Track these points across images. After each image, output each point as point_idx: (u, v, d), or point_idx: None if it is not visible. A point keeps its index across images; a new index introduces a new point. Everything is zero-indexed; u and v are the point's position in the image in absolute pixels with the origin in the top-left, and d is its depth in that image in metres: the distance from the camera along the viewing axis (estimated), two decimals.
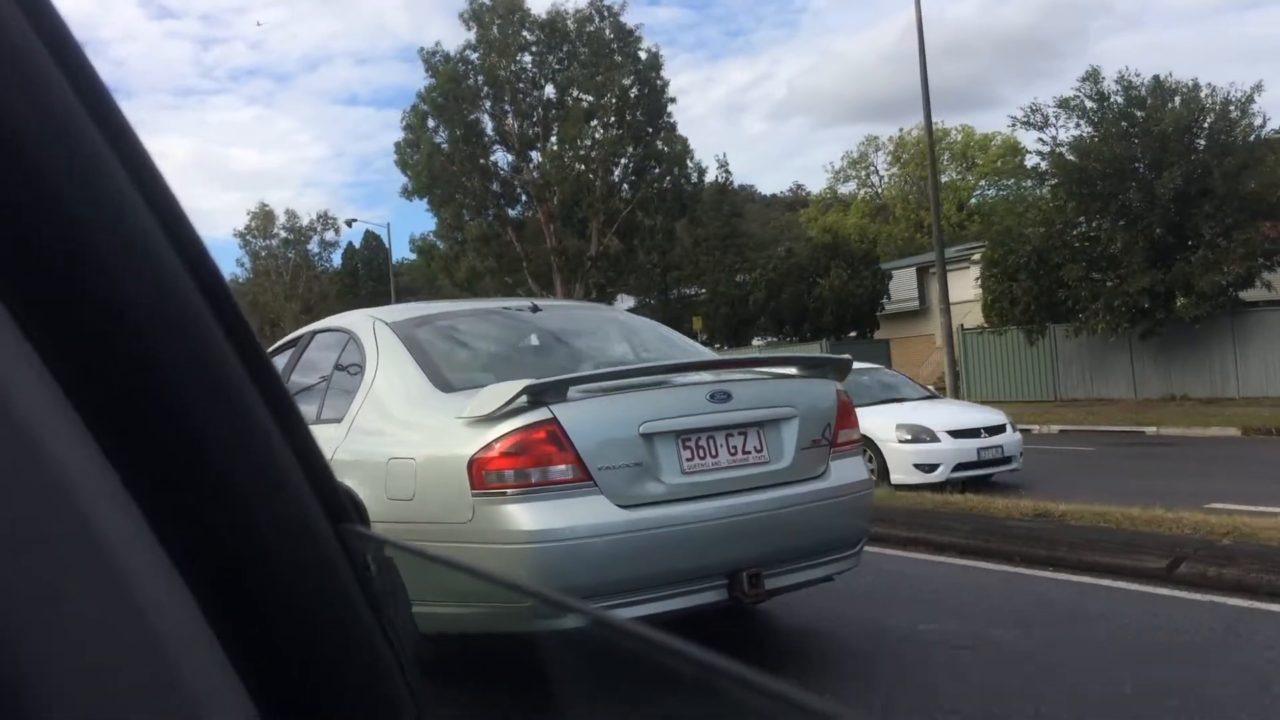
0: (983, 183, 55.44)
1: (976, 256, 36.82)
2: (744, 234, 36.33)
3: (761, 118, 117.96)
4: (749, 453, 3.63)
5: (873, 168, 61.15)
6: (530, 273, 35.54)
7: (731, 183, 36.25)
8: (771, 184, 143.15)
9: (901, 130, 58.80)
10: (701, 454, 3.52)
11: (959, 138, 58.07)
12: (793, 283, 31.85)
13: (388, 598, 0.65)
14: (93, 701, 0.42)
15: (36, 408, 0.46)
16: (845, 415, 4.04)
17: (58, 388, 0.48)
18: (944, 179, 55.53)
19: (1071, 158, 21.31)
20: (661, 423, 3.46)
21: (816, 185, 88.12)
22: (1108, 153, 20.28)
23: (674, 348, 4.54)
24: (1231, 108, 19.92)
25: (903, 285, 36.84)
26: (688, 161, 34.41)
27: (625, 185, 35.05)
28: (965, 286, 36.71)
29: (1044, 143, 22.51)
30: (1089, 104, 21.51)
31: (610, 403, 3.48)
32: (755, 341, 34.85)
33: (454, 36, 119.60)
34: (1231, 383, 20.48)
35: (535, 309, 4.40)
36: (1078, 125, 21.91)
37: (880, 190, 60.08)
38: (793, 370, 4.16)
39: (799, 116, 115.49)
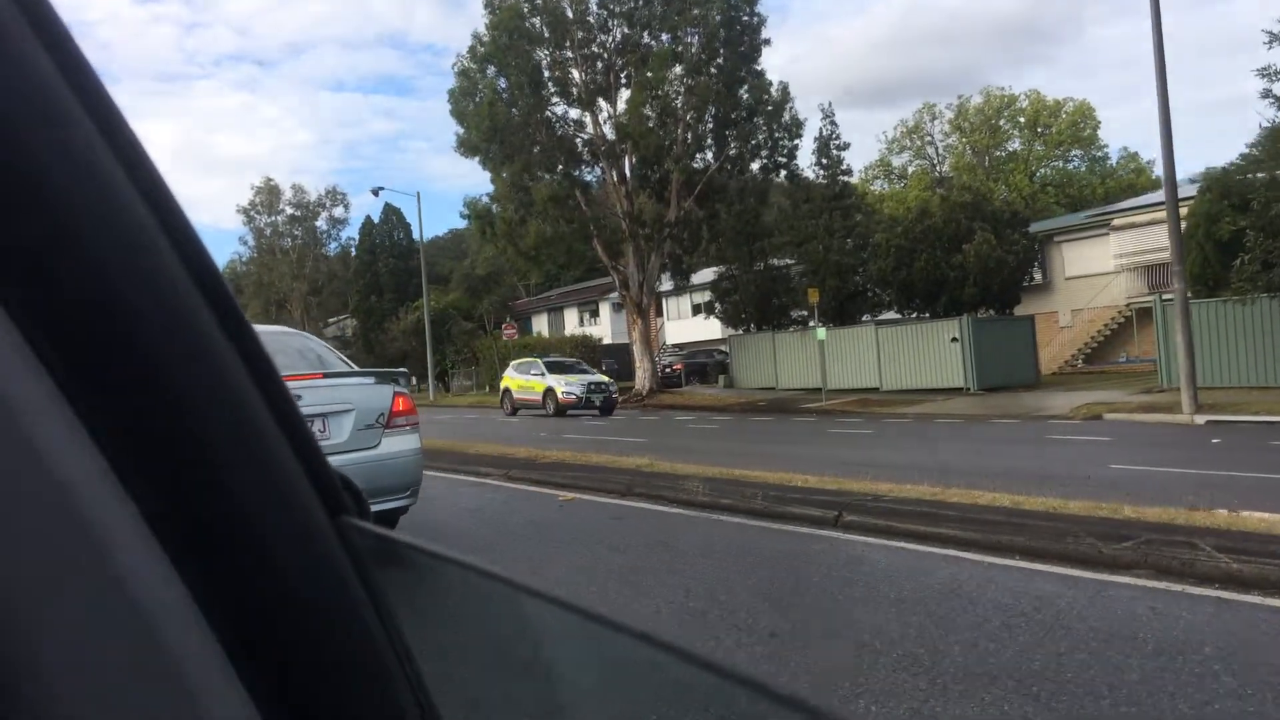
0: (1057, 151, 56.99)
1: (1117, 222, 36.77)
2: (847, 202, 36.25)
3: None
4: (314, 433, 6.39)
5: (929, 138, 62.31)
6: (601, 242, 36.60)
7: (837, 135, 36.52)
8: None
9: (961, 97, 60.85)
10: None
11: (1027, 105, 58.77)
12: (927, 249, 31.89)
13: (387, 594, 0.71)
14: (91, 699, 0.48)
15: (32, 405, 0.52)
16: (399, 407, 7.60)
17: (53, 384, 0.54)
18: (1013, 147, 56.91)
19: None
20: None
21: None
22: None
23: (305, 363, 7.41)
24: None
25: None
26: (785, 112, 34.82)
27: (710, 139, 35.72)
28: (1102, 257, 36.61)
29: None
30: None
31: None
32: (865, 318, 35.32)
33: (440, 23, 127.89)
34: None
35: None
36: None
37: (936, 162, 61.51)
38: (369, 380, 7.57)
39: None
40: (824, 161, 36.20)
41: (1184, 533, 6.11)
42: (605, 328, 56.50)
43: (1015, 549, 6.50)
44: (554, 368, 32.01)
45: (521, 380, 32.35)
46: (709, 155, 35.92)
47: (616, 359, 45.77)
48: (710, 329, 47.46)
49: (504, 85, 35.61)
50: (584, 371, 32.54)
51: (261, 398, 0.66)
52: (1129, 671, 4.29)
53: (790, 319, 37.24)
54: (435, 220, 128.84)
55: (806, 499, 8.41)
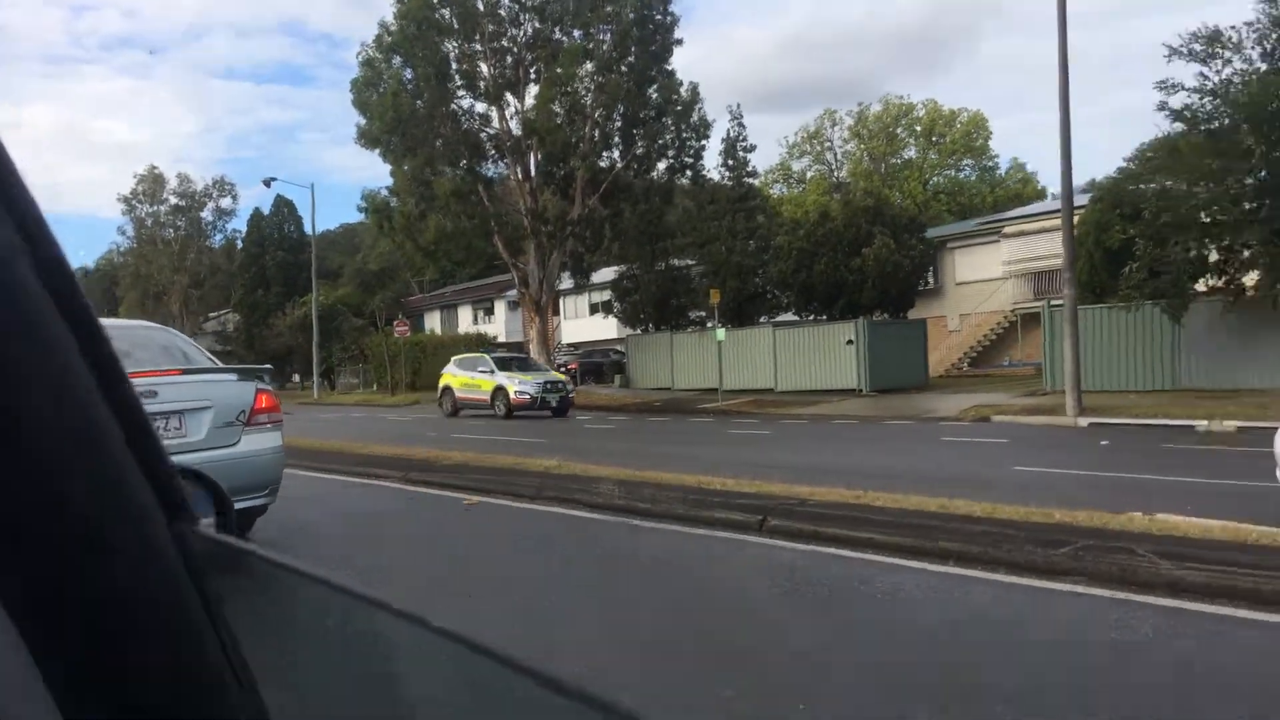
0: (950, 160, 59.05)
1: (1008, 230, 37.78)
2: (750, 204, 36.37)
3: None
4: (170, 430, 6.82)
5: (829, 144, 63.95)
6: (503, 238, 35.97)
7: (744, 137, 36.59)
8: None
9: (861, 104, 62.70)
10: None
11: (924, 114, 60.71)
12: (828, 251, 32.02)
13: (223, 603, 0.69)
14: None
15: None
16: (261, 404, 7.47)
17: None
18: (909, 155, 59.00)
19: (1244, 99, 20.37)
20: None
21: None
22: None
23: (168, 358, 7.31)
24: None
25: None
26: (694, 112, 34.73)
27: (618, 138, 35.47)
28: (991, 263, 37.59)
29: (1205, 79, 21.40)
30: (1271, 30, 20.69)
31: None
32: (763, 320, 35.38)
33: (341, 11, 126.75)
34: None
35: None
36: (1265, 55, 21.01)
37: (835, 168, 63.19)
38: (231, 376, 7.58)
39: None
40: (730, 163, 36.25)
41: (1121, 538, 6.00)
42: (500, 326, 55.70)
43: (951, 555, 6.30)
44: (504, 364, 29.49)
45: (465, 378, 29.68)
46: (616, 154, 35.67)
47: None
48: (607, 328, 47.16)
49: (410, 76, 34.76)
50: (537, 369, 30.35)
51: (100, 393, 0.61)
52: (1118, 692, 4.08)
53: (689, 319, 37.17)
54: (328, 214, 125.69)
55: (728, 503, 8.12)
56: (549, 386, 27.98)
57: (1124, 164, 25.32)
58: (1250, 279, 21.84)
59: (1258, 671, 4.24)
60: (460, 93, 35.62)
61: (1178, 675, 4.20)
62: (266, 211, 65.64)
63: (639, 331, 38.64)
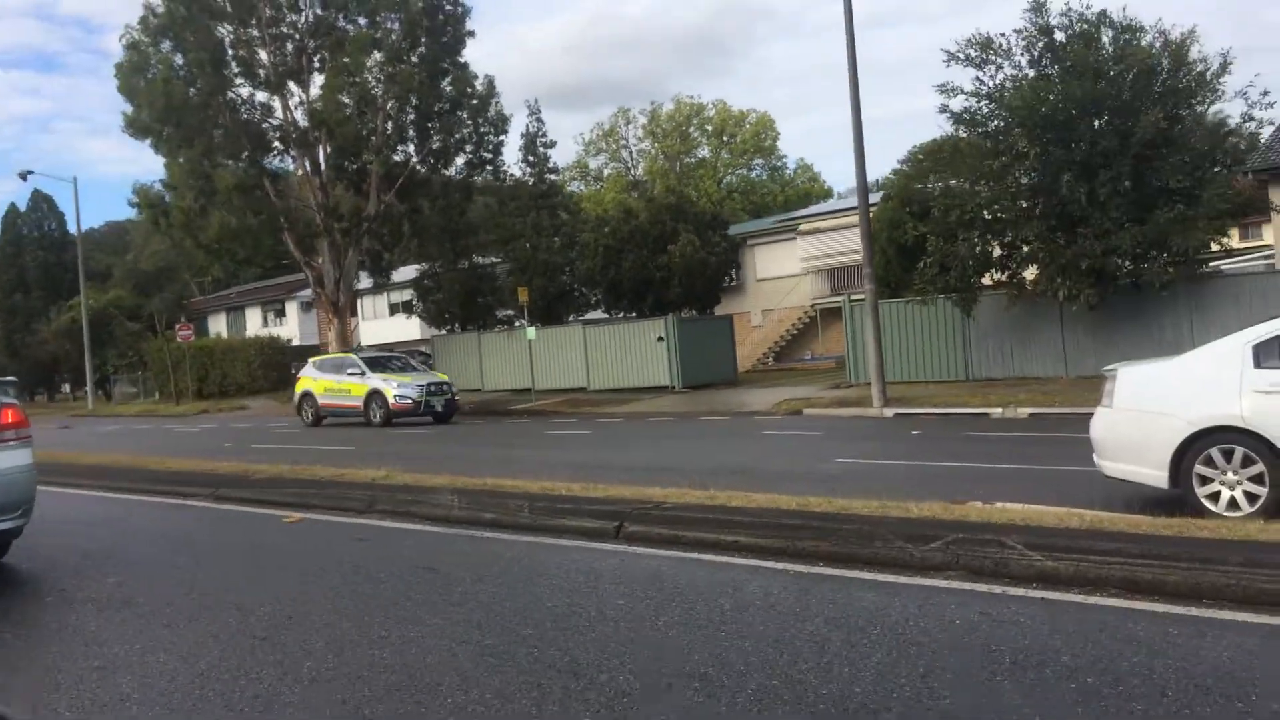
0: (741, 159, 61.41)
1: (804, 227, 39.11)
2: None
3: None
4: None
5: (624, 142, 65.04)
6: (293, 236, 34.20)
7: (544, 132, 36.16)
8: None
9: (653, 104, 64.11)
10: None
11: (714, 114, 62.78)
12: (634, 249, 32.00)
13: None
14: None
15: None
16: (7, 419, 7.16)
17: None
18: (703, 154, 60.98)
19: (1017, 102, 21.42)
20: None
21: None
22: (1076, 91, 20.70)
23: None
24: (1171, 49, 21.01)
25: None
26: (491, 106, 34.03)
27: (413, 131, 34.35)
28: (789, 260, 38.81)
29: (981, 83, 22.52)
30: (1038, 39, 21.89)
31: None
32: (572, 318, 35.10)
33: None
34: None
35: None
36: (1032, 61, 22.19)
37: (631, 166, 64.52)
38: None
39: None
40: (531, 159, 35.73)
41: (987, 530, 6.00)
42: (294, 328, 53.18)
43: (820, 555, 6.15)
44: (376, 365, 26.61)
45: (330, 381, 26.64)
46: (411, 148, 34.53)
47: (307, 361, 43.01)
48: (410, 329, 45.82)
49: (181, 62, 32.45)
50: (414, 369, 27.57)
51: None
52: (1008, 694, 3.95)
53: (496, 318, 36.52)
54: (93, 210, 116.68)
55: (579, 509, 7.74)
56: (433, 389, 25.54)
57: (898, 165, 26.62)
58: (1030, 273, 23.21)
59: (1166, 666, 4.23)
60: (238, 80, 33.64)
61: (1092, 677, 4.14)
62: (22, 208, 60.25)
63: (445, 332, 37.66)
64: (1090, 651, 4.34)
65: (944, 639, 4.63)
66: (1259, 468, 7.76)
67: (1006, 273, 23.53)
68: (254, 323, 55.74)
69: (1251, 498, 7.79)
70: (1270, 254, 29.73)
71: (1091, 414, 18.33)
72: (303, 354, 44.62)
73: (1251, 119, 21.18)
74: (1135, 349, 22.33)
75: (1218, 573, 4.96)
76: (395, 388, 25.10)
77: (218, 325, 57.58)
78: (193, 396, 41.07)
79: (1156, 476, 8.28)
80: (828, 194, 62.25)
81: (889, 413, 20.98)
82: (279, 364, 43.01)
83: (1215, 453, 7.97)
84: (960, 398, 21.49)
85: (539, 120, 36.18)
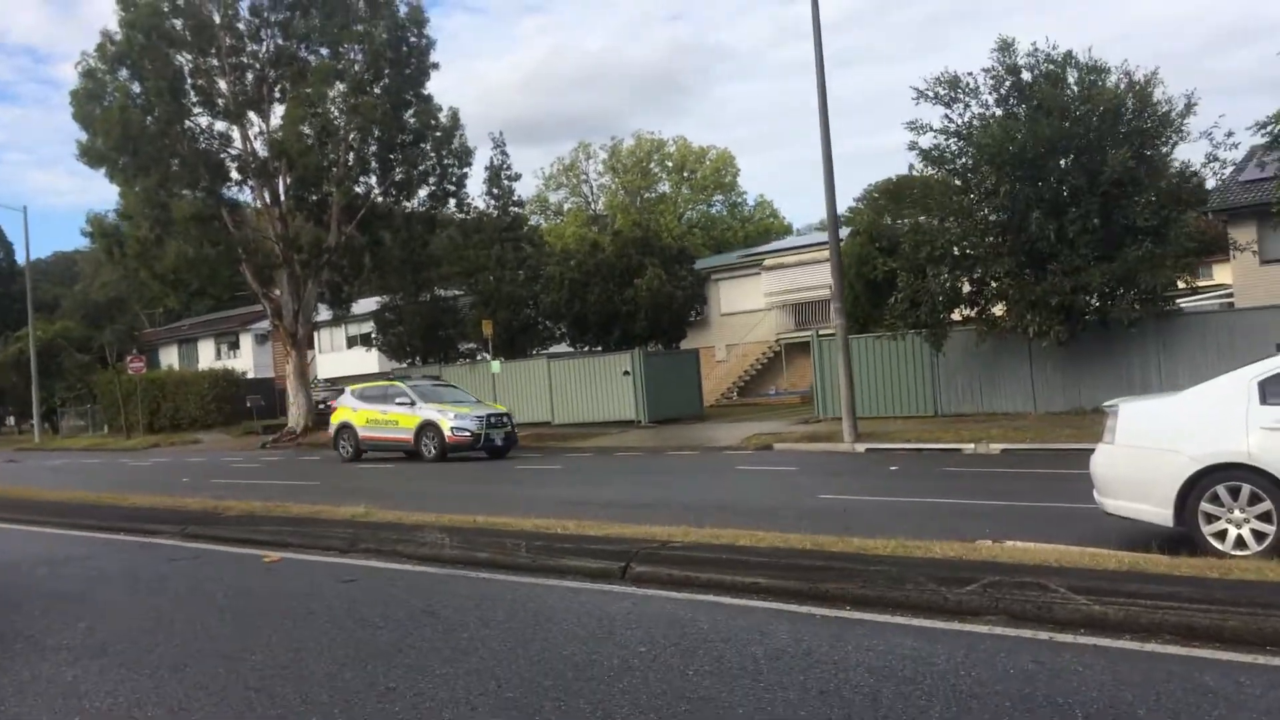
0: (701, 195, 61.95)
1: (768, 262, 39.16)
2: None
3: None
4: None
5: (584, 176, 65.39)
6: (251, 267, 33.54)
7: (508, 165, 35.91)
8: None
9: (614, 139, 64.44)
10: None
11: (675, 150, 63.26)
12: (600, 282, 31.72)
13: None
14: None
15: None
16: None
17: None
18: (663, 189, 61.43)
19: (986, 140, 21.57)
20: None
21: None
22: (1044, 130, 20.90)
23: None
24: (1136, 90, 21.34)
25: None
26: (455, 138, 33.72)
27: (375, 163, 33.96)
28: (754, 295, 38.81)
29: (950, 120, 22.77)
30: (1006, 78, 22.21)
31: None
32: (536, 351, 34.64)
33: (45, 25, 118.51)
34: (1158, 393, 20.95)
35: None
36: (1000, 100, 22.44)
37: (591, 200, 64.74)
38: None
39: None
40: (495, 191, 35.47)
41: (1025, 572, 5.73)
42: (248, 360, 52.15)
43: (847, 598, 5.84)
44: (425, 394, 24.39)
45: (374, 412, 24.37)
46: (373, 179, 34.12)
47: (262, 394, 42.20)
48: (368, 362, 45.10)
49: (139, 90, 31.83)
50: (465, 398, 25.30)
51: None
52: None
53: (458, 351, 36.03)
54: (40, 241, 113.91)
55: (581, 549, 7.36)
56: (493, 421, 23.39)
57: (854, 203, 26.77)
58: (999, 309, 23.28)
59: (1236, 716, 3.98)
60: (197, 109, 33.09)
61: None
62: None
63: (405, 365, 37.04)
64: (1165, 705, 4.06)
65: (1003, 692, 4.33)
66: (1266, 505, 7.60)
67: (976, 309, 23.57)
68: (207, 355, 54.62)
69: (1259, 536, 7.63)
70: (1225, 292, 30.23)
71: (1063, 450, 18.55)
72: (256, 387, 43.76)
73: (1215, 159, 21.47)
74: (1104, 386, 22.54)
75: None
76: (452, 419, 22.94)
77: (169, 357, 56.35)
78: (143, 430, 39.98)
79: (1160, 514, 8.10)
80: (787, 230, 62.55)
81: (860, 448, 20.81)
82: (233, 397, 42.06)
83: (1221, 490, 7.81)
84: (932, 433, 21.39)
85: (503, 153, 36.02)
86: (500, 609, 6.37)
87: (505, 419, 23.91)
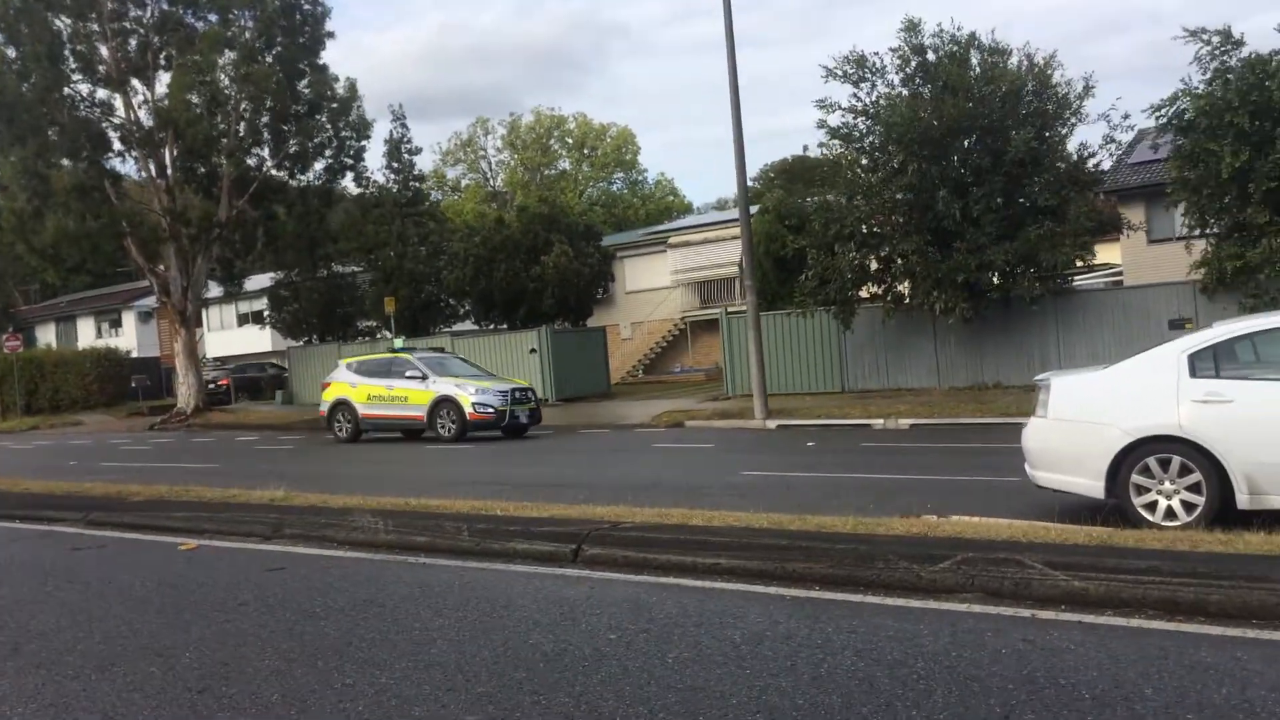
0: (602, 172, 61.84)
1: (674, 240, 39.09)
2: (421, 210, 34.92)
3: None
4: None
5: (483, 153, 64.85)
6: (137, 241, 31.96)
7: (409, 138, 35.01)
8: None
9: (513, 114, 63.82)
10: None
11: (575, 126, 63.03)
12: (506, 259, 31.13)
13: None
14: None
15: None
16: None
17: None
18: (564, 167, 61.04)
19: (894, 119, 21.65)
20: None
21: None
22: (950, 110, 21.11)
23: None
24: (1036, 72, 21.74)
25: None
26: (353, 109, 32.66)
27: (268, 134, 32.67)
28: (659, 272, 38.72)
29: (858, 100, 22.79)
30: (912, 58, 22.37)
31: None
32: (440, 329, 33.89)
33: None
34: (1057, 368, 20.72)
35: None
36: (906, 79, 22.59)
37: (490, 176, 64.18)
38: None
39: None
40: (395, 165, 34.53)
41: (999, 548, 5.63)
42: (131, 339, 49.89)
43: (815, 578, 5.65)
44: (436, 366, 22.17)
45: (377, 388, 22.09)
46: (266, 151, 32.90)
47: (148, 374, 40.45)
48: (260, 340, 43.64)
49: (14, 55, 30.03)
50: (477, 372, 23.27)
51: None
52: None
53: (357, 329, 35.11)
54: None
55: (529, 531, 7.03)
56: (518, 397, 21.40)
57: (751, 183, 26.79)
58: (905, 287, 23.58)
59: (1264, 699, 3.90)
60: (77, 76, 31.41)
61: (1194, 715, 3.77)
62: None
63: (302, 343, 35.89)
64: (1172, 685, 3.94)
65: (1002, 674, 4.17)
66: (1196, 476, 7.68)
67: (883, 286, 23.84)
68: (87, 333, 52.10)
69: (1189, 506, 7.72)
70: (1113, 271, 31.26)
71: (969, 424, 18.84)
72: (141, 366, 41.88)
73: (1113, 140, 22.07)
74: (1005, 362, 23.09)
75: (1265, 590, 4.69)
76: (473, 394, 20.84)
77: (46, 336, 53.57)
78: (21, 412, 37.89)
79: (1092, 486, 8.15)
80: (687, 209, 62.64)
81: (771, 424, 20.87)
82: (116, 377, 40.17)
83: (1152, 462, 7.87)
84: (841, 409, 21.58)
85: (403, 126, 35.17)
86: (450, 597, 6.01)
87: (529, 394, 22.07)
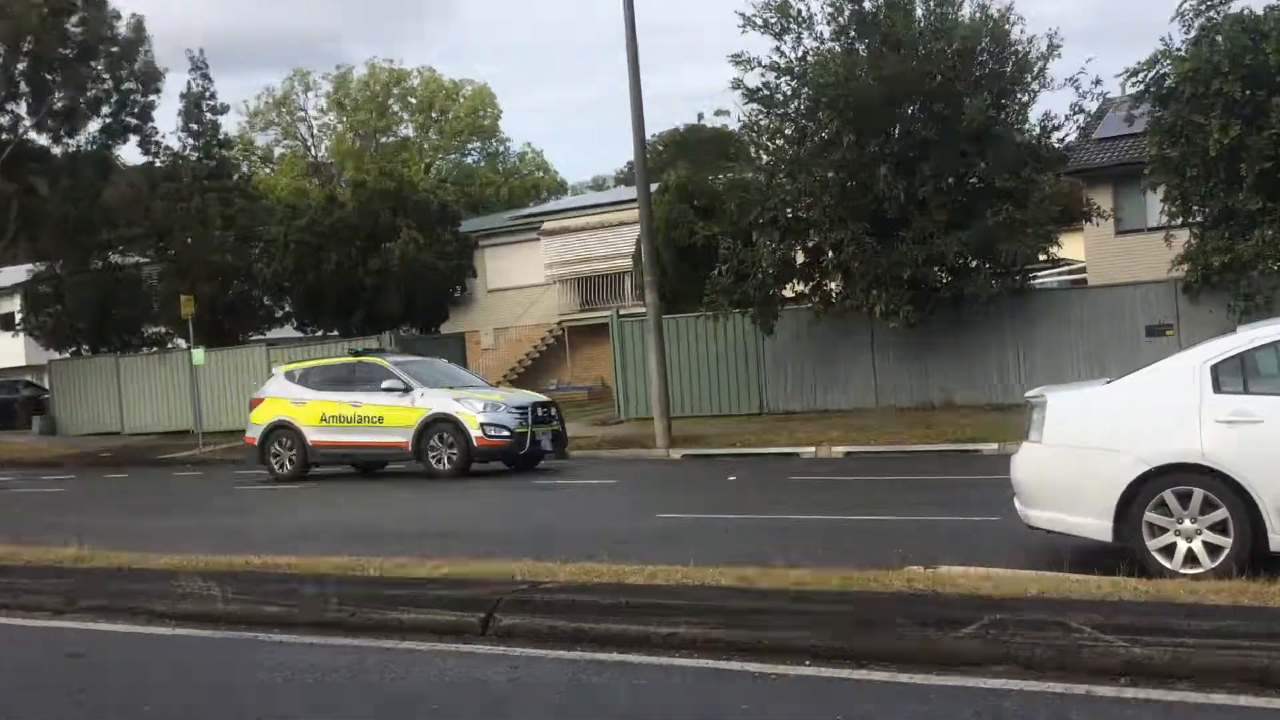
0: (455, 141, 61.57)
1: (549, 226, 38.87)
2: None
3: None
4: None
5: (301, 114, 64.00)
6: None
7: (212, 94, 34.05)
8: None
9: (340, 67, 62.88)
10: None
11: (420, 83, 62.59)
12: (339, 248, 30.72)
13: None
14: None
15: None
16: None
17: None
18: (406, 133, 60.42)
19: (824, 78, 21.70)
20: None
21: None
22: (890, 67, 21.26)
23: None
24: (992, 26, 22.12)
25: None
26: (139, 55, 31.73)
27: (25, 85, 31.49)
28: (529, 267, 38.43)
29: (781, 55, 22.84)
30: (845, 5, 22.54)
31: None
32: (253, 336, 33.21)
33: None
34: (1015, 384, 20.93)
35: None
36: (838, 31, 22.79)
37: (311, 144, 63.30)
38: None
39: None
40: (193, 128, 33.58)
41: (1035, 608, 5.53)
42: None
43: (804, 650, 5.47)
44: (419, 375, 19.84)
45: (336, 404, 19.59)
46: (23, 108, 31.95)
47: None
48: (13, 352, 41.90)
49: None
50: (475, 381, 21.67)
51: None
52: None
53: (143, 337, 34.07)
54: None
55: (419, 596, 6.66)
56: (540, 415, 19.30)
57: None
58: (837, 284, 23.78)
59: None
60: None
61: None
62: None
63: (68, 355, 34.62)
64: None
65: None
66: (1221, 513, 7.74)
67: (811, 284, 24.04)
68: None
69: (1213, 550, 7.77)
70: (1074, 267, 32.19)
71: (915, 452, 19.14)
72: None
73: (1081, 111, 22.75)
74: (955, 376, 23.54)
75: None
76: (482, 412, 18.45)
77: None
78: None
79: (1098, 527, 8.17)
80: (560, 187, 62.52)
81: (676, 454, 20.92)
82: None
83: (1170, 496, 7.91)
84: (761, 436, 21.70)
85: (205, 77, 34.08)
86: (338, 691, 5.58)
87: (553, 410, 20.00)
